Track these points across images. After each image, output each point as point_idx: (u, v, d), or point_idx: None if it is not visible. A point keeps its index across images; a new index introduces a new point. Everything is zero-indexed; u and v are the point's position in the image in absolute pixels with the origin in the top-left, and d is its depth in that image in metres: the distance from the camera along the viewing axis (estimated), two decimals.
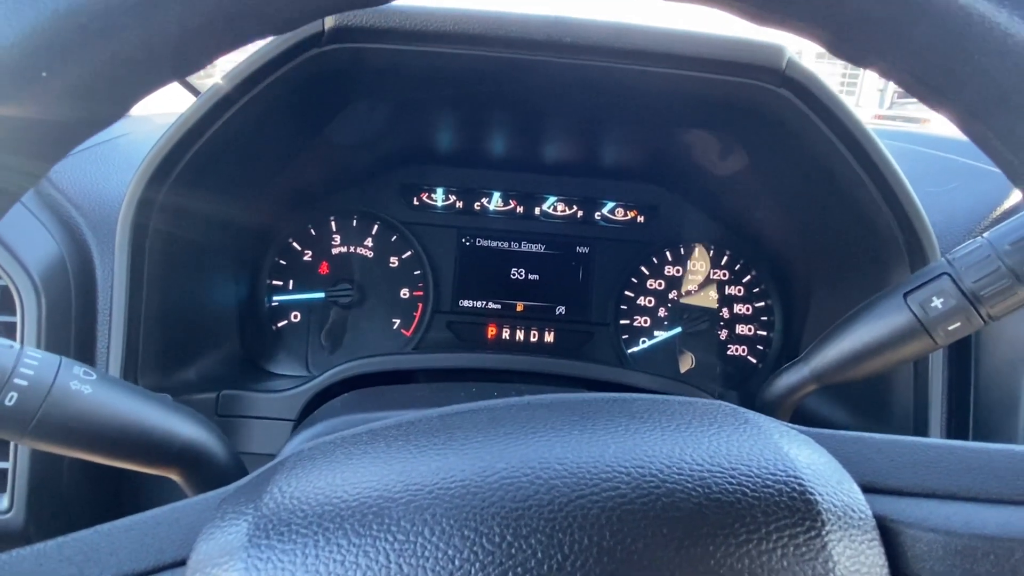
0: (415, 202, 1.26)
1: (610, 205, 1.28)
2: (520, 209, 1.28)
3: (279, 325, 1.21)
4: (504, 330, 1.26)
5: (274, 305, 1.21)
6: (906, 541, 0.34)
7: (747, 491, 0.33)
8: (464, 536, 0.31)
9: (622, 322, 1.26)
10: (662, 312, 1.26)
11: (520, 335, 1.26)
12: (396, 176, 1.25)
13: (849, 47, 0.33)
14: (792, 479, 0.34)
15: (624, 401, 0.41)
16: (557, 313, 1.27)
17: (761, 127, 0.93)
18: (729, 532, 0.32)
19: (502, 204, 1.28)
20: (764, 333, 1.26)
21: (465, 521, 0.32)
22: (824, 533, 0.32)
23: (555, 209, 1.28)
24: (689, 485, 0.33)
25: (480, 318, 1.26)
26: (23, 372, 0.52)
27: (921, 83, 0.32)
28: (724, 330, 1.26)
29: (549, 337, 1.26)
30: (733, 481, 0.34)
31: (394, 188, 1.25)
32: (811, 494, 0.33)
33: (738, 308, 1.26)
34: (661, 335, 1.26)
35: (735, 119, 0.95)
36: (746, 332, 1.26)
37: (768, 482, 0.34)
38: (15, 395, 0.52)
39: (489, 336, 1.26)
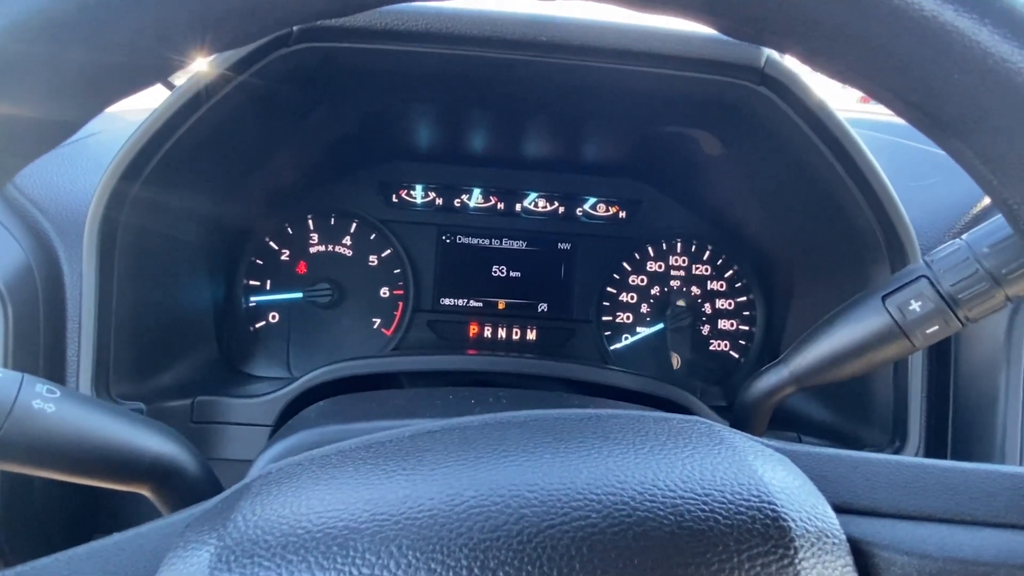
0: (394, 199, 1.24)
1: (592, 201, 1.27)
2: (501, 206, 1.26)
3: (257, 326, 1.19)
4: (486, 328, 1.25)
5: (251, 306, 1.19)
6: (880, 564, 0.34)
7: (720, 518, 0.33)
8: (431, 569, 0.31)
9: (604, 319, 1.26)
10: (644, 308, 1.26)
11: (502, 333, 1.25)
12: (374, 173, 1.23)
13: (827, 63, 0.32)
14: (766, 504, 0.33)
15: (598, 419, 0.41)
16: (539, 310, 1.26)
17: (742, 125, 0.92)
18: (701, 562, 0.31)
19: (482, 201, 1.26)
20: (746, 328, 1.25)
21: (432, 553, 0.31)
22: (797, 560, 0.32)
23: (536, 205, 1.27)
24: (661, 512, 0.33)
25: (461, 316, 1.25)
26: None
27: (899, 99, 0.32)
28: (706, 325, 1.26)
29: (531, 335, 1.25)
30: (706, 508, 0.33)
31: (372, 186, 1.23)
32: (784, 520, 0.33)
33: (720, 303, 1.26)
34: (644, 331, 1.26)
35: (716, 117, 0.94)
36: (728, 327, 1.26)
37: (741, 508, 0.33)
38: None
39: (471, 334, 1.25)
